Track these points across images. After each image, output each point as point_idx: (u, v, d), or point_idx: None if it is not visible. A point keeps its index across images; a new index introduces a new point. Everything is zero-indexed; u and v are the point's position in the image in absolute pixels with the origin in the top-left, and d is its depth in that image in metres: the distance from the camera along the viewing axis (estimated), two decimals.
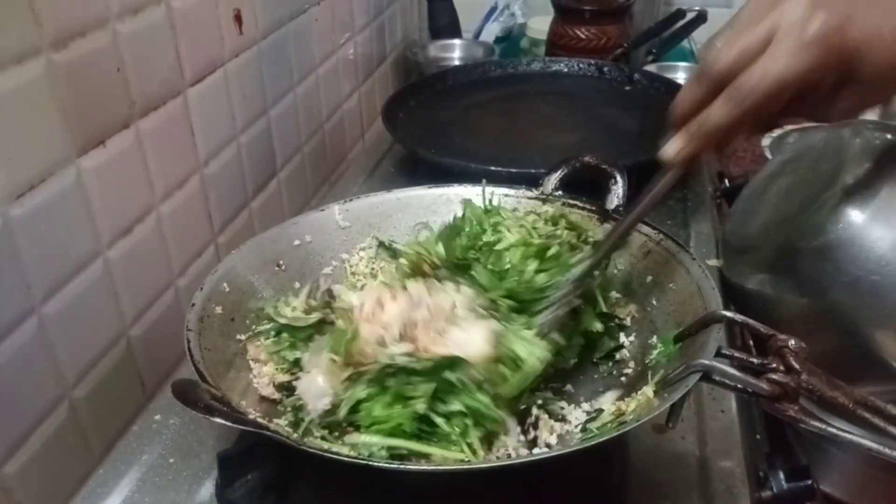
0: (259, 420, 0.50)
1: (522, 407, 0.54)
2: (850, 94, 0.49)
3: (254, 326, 0.60)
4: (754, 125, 0.51)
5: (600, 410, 0.55)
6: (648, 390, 0.51)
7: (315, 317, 0.60)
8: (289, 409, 0.54)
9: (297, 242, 0.67)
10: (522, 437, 0.53)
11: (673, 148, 0.53)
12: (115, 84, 0.63)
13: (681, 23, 1.40)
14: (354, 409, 0.51)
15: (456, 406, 0.50)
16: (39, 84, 0.55)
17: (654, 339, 0.58)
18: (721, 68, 0.49)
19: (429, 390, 0.49)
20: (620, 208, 0.67)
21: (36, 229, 0.56)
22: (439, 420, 0.50)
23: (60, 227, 0.58)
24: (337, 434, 0.52)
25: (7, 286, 0.54)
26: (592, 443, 0.47)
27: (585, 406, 0.56)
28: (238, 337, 0.59)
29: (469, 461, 0.50)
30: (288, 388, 0.57)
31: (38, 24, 0.54)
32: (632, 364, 0.59)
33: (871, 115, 1.16)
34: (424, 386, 0.50)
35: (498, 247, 0.61)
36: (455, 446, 0.49)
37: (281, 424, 0.53)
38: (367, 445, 0.49)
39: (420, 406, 0.49)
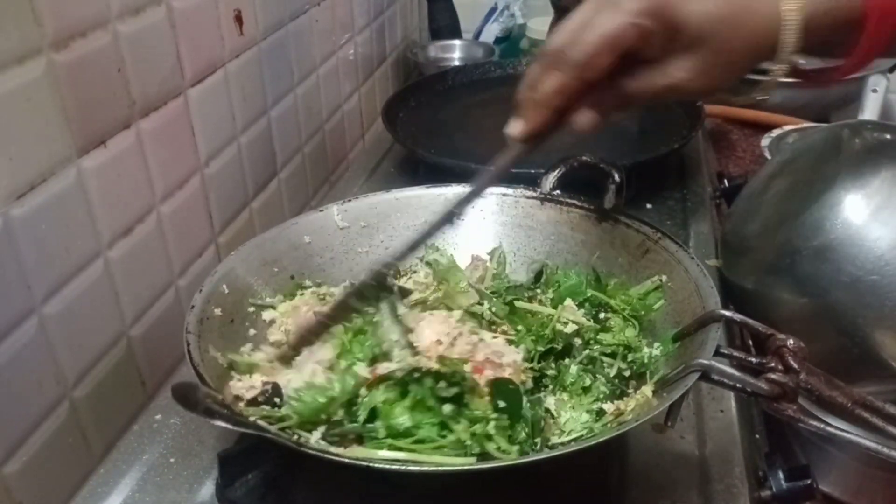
0: (260, 423, 0.50)
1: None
2: (685, 58, 0.50)
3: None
4: (591, 91, 0.51)
5: (601, 411, 0.55)
6: (647, 390, 0.51)
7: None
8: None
9: (296, 243, 0.67)
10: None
11: (514, 125, 0.55)
12: (116, 84, 0.63)
13: None
14: (371, 415, 0.50)
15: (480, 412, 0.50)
16: (40, 84, 0.55)
17: (653, 338, 0.58)
18: (554, 45, 0.51)
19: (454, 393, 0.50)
20: (619, 208, 0.67)
21: (36, 229, 0.56)
22: (458, 426, 0.49)
23: (61, 227, 0.58)
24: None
25: (7, 286, 0.54)
26: (592, 443, 0.47)
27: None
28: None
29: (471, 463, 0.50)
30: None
31: (38, 25, 0.54)
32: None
33: (871, 116, 1.17)
34: (452, 389, 0.50)
35: None
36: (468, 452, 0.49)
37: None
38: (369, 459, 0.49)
39: (447, 408, 0.49)
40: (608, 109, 0.53)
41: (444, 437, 0.49)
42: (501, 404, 0.50)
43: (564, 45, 0.50)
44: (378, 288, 0.58)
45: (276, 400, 0.54)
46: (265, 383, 0.55)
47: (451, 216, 0.60)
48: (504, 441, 0.49)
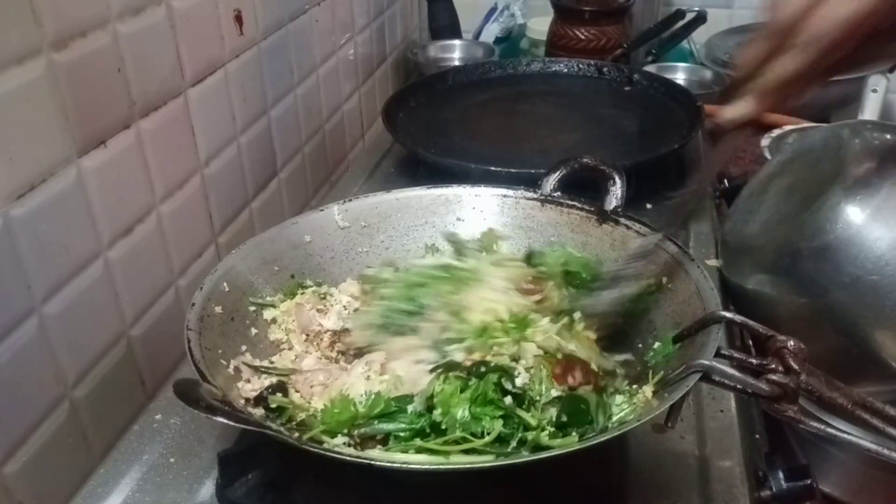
0: (261, 419, 0.50)
1: None
2: None
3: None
4: (824, 73, 0.48)
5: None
6: (648, 390, 0.51)
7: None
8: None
9: (296, 242, 0.67)
10: None
11: (742, 107, 0.51)
12: (116, 84, 0.63)
13: (680, 23, 1.40)
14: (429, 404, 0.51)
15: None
16: (40, 84, 0.55)
17: (654, 339, 0.58)
18: (786, 17, 0.47)
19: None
20: (619, 209, 0.67)
21: (36, 229, 0.56)
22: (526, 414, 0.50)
23: (61, 227, 0.58)
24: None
25: (8, 286, 0.54)
26: (592, 442, 0.47)
27: None
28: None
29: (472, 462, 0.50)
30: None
31: (38, 25, 0.54)
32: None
33: (871, 116, 1.17)
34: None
35: None
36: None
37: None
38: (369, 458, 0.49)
39: (509, 400, 0.50)
40: (812, 88, 0.50)
41: (506, 434, 0.49)
42: (563, 419, 0.50)
43: (797, 19, 0.46)
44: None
45: (279, 395, 0.54)
46: (270, 385, 0.55)
47: (683, 219, 0.58)
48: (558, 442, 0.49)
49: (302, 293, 0.65)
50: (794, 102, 0.50)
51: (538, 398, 0.51)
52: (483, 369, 0.51)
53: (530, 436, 0.49)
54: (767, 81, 0.49)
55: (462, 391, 0.50)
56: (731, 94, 0.51)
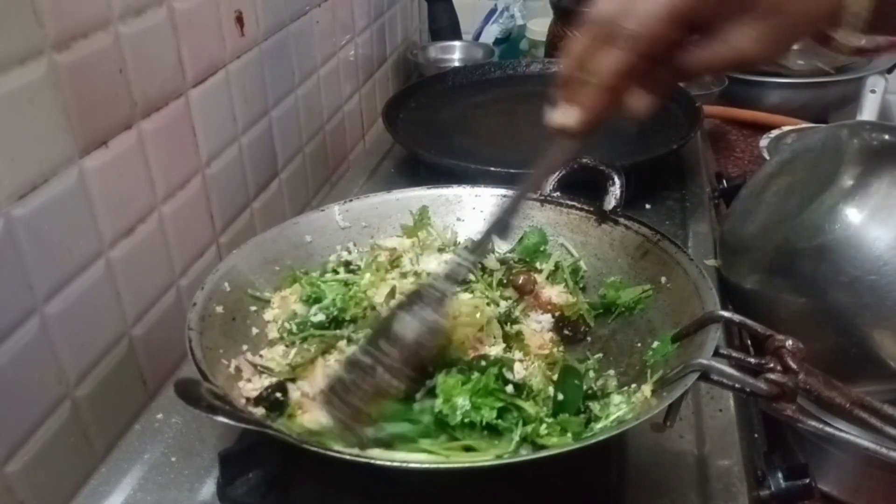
0: (261, 419, 0.50)
1: None
2: (749, 25, 0.45)
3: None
4: (650, 69, 0.46)
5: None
6: (647, 389, 0.51)
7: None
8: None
9: (297, 242, 0.68)
10: None
11: (567, 113, 0.48)
12: (118, 85, 0.63)
13: None
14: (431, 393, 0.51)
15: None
16: (42, 85, 0.55)
17: (652, 338, 0.59)
18: (607, 11, 0.45)
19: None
20: (618, 209, 0.68)
21: (38, 229, 0.56)
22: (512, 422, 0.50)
23: (63, 227, 0.58)
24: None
25: (9, 286, 0.54)
26: (592, 442, 0.47)
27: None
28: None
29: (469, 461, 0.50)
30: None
31: (40, 26, 0.54)
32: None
33: (870, 116, 1.17)
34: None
35: None
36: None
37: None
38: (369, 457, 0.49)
39: (510, 389, 0.50)
40: (663, 89, 0.48)
41: (498, 426, 0.49)
42: (560, 397, 0.52)
43: (617, 13, 0.44)
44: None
45: (279, 396, 0.54)
46: (270, 384, 0.56)
47: (504, 226, 0.55)
48: (555, 440, 0.49)
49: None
50: (638, 106, 0.47)
51: (537, 390, 0.52)
52: (483, 363, 0.52)
53: (529, 428, 0.49)
54: (592, 78, 0.46)
55: (464, 384, 0.50)
56: (557, 95, 0.48)
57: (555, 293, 0.65)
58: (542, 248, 0.70)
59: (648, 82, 0.47)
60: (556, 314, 0.64)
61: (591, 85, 0.46)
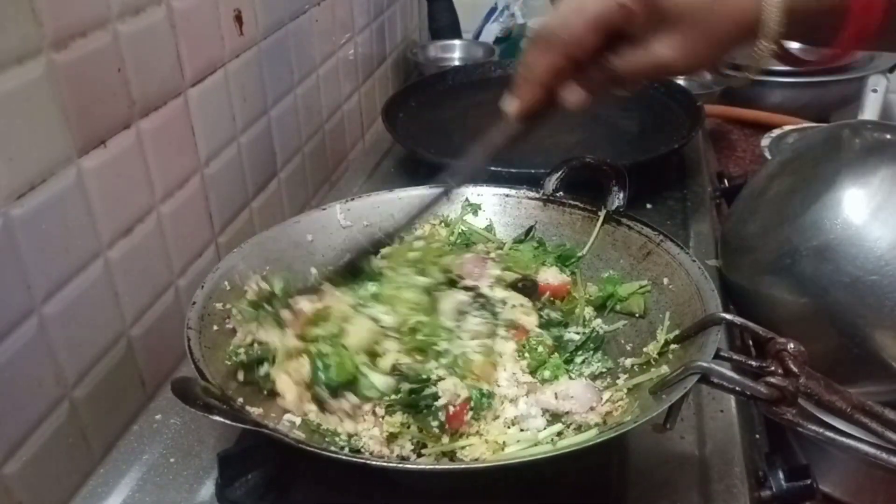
0: (258, 419, 0.50)
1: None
2: (668, 37, 0.51)
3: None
4: (580, 70, 0.54)
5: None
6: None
7: None
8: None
9: (298, 241, 0.67)
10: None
11: (510, 102, 0.59)
12: (116, 84, 0.63)
13: None
14: None
15: None
16: (40, 84, 0.55)
17: (653, 339, 0.58)
18: (546, 26, 0.54)
19: None
20: (621, 209, 0.67)
21: (36, 229, 0.56)
22: None
23: (61, 227, 0.58)
24: None
25: (7, 286, 0.54)
26: (592, 442, 0.47)
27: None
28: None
29: (467, 462, 0.50)
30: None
31: (38, 25, 0.54)
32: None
33: (871, 116, 1.17)
34: None
35: None
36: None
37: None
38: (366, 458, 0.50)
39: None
40: (597, 88, 0.55)
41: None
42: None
43: (555, 26, 0.53)
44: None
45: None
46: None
47: (447, 189, 0.64)
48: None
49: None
50: (570, 103, 0.56)
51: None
52: None
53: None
54: (524, 74, 0.56)
55: None
56: (510, 90, 0.58)
57: (551, 275, 0.65)
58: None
59: (582, 81, 0.55)
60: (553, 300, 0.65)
61: (528, 80, 0.56)
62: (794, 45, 0.52)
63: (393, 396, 0.52)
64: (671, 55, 0.51)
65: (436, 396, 0.51)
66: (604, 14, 0.51)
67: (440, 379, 0.52)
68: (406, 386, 0.52)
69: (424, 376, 0.52)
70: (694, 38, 0.51)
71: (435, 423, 0.50)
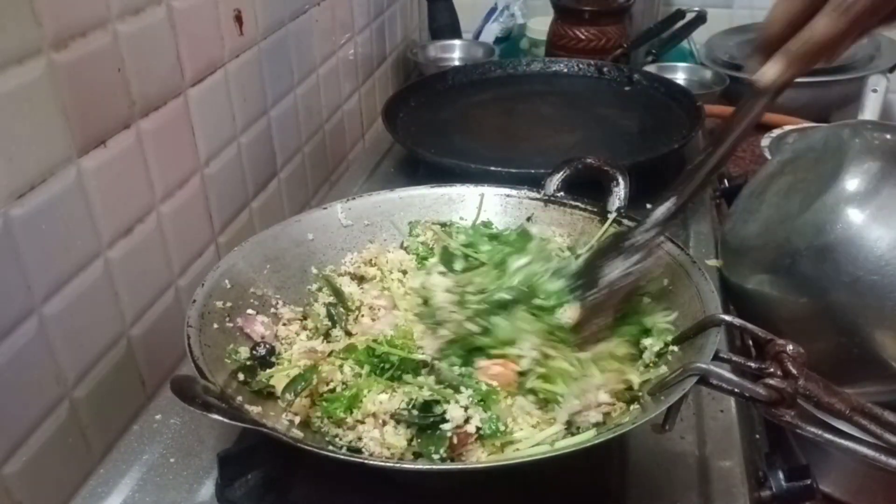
0: (257, 418, 0.50)
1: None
2: None
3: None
4: (860, 35, 0.45)
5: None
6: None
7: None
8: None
9: (298, 240, 0.67)
10: None
11: (773, 71, 0.47)
12: (116, 84, 0.63)
13: (680, 23, 1.40)
14: None
15: None
16: (40, 84, 0.55)
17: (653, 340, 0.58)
18: None
19: None
20: (622, 210, 0.67)
21: (36, 229, 0.56)
22: None
23: (61, 227, 0.58)
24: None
25: (7, 286, 0.54)
26: (591, 443, 0.47)
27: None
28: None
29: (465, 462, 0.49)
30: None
31: (38, 25, 0.54)
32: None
33: (871, 116, 1.17)
34: None
35: None
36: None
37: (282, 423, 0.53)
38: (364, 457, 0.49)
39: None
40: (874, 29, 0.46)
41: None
42: None
43: None
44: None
45: (272, 359, 0.56)
46: (264, 343, 0.57)
47: (698, 191, 0.57)
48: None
49: None
50: (828, 62, 0.47)
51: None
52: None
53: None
54: (804, 44, 0.45)
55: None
56: (761, 54, 0.48)
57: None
58: None
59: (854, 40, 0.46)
60: None
61: (805, 49, 0.46)
62: None
63: (401, 407, 0.51)
64: None
65: (443, 419, 0.49)
66: None
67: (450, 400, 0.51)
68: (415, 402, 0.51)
69: (438, 397, 0.51)
70: None
71: (437, 454, 0.49)
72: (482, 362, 0.54)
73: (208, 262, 0.79)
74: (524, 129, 1.10)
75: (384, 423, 0.51)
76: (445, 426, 0.49)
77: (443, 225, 0.71)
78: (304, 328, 0.62)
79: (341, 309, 0.63)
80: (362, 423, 0.51)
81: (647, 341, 0.56)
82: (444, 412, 0.50)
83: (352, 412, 0.52)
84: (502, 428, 0.50)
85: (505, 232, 0.68)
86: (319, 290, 0.66)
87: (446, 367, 0.54)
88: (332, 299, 0.64)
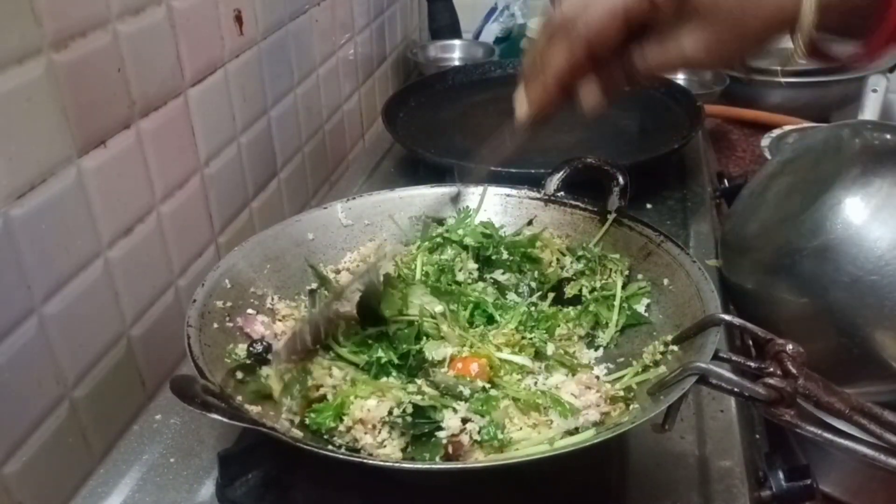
0: (256, 417, 0.50)
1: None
2: (697, 30, 0.47)
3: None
4: (599, 67, 0.50)
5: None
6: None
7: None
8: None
9: (299, 240, 0.67)
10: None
11: (523, 105, 0.53)
12: (116, 84, 0.63)
13: None
14: None
15: None
16: (40, 84, 0.55)
17: (653, 341, 0.58)
18: (560, 15, 0.49)
19: None
20: (622, 209, 0.67)
21: (36, 229, 0.56)
22: None
23: (61, 227, 0.58)
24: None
25: (8, 286, 0.54)
26: (590, 443, 0.47)
27: None
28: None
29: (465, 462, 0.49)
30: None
31: (38, 25, 0.54)
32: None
33: (871, 116, 1.17)
34: None
35: None
36: None
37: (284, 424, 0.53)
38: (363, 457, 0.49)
39: None
40: (615, 87, 0.51)
41: None
42: None
43: (572, 15, 0.48)
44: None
45: (269, 357, 0.55)
46: (261, 340, 0.57)
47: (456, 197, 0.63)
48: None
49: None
50: (590, 97, 0.51)
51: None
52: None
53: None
54: (541, 72, 0.50)
55: None
56: (521, 90, 0.53)
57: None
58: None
59: (601, 80, 0.51)
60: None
61: (542, 79, 0.51)
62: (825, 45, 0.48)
63: (395, 415, 0.50)
64: (699, 49, 0.47)
65: (438, 426, 0.49)
66: (629, 3, 0.47)
67: (448, 407, 0.51)
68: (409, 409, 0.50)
69: (432, 404, 0.51)
70: (724, 32, 0.47)
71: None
72: (458, 363, 0.55)
73: (208, 262, 0.79)
74: None
75: (375, 429, 0.51)
76: (441, 433, 0.49)
77: (440, 221, 0.71)
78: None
79: (325, 291, 0.63)
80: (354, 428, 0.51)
81: (648, 348, 0.56)
82: (440, 419, 0.50)
83: (342, 420, 0.51)
84: (500, 435, 0.50)
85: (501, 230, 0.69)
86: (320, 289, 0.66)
87: (441, 372, 0.54)
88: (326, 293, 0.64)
